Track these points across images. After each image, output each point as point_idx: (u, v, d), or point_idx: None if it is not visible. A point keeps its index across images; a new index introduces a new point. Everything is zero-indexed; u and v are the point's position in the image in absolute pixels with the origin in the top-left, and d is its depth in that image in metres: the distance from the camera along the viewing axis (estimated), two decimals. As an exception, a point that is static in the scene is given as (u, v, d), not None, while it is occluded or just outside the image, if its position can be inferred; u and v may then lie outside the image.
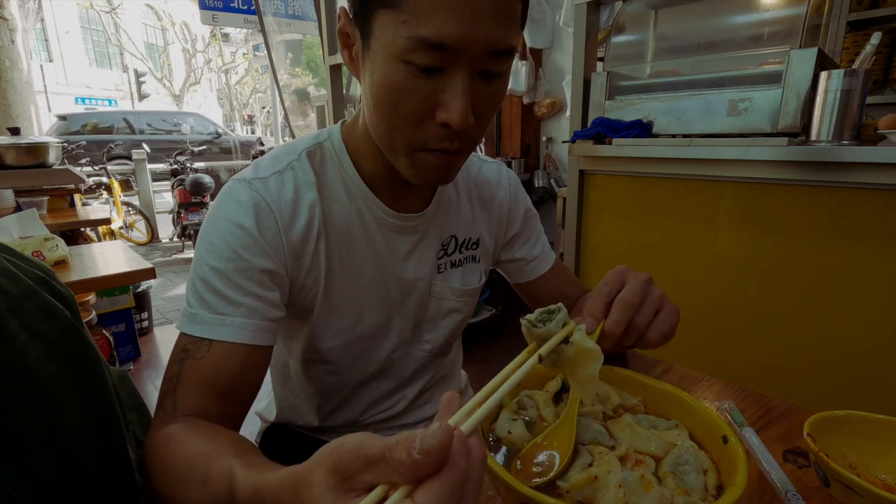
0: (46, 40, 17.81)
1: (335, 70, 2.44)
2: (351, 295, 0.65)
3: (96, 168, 5.17)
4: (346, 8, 0.53)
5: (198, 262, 0.55)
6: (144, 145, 5.50)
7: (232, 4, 5.67)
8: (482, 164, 0.77)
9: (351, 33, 0.54)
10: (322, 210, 0.61)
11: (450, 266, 0.72)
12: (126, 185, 5.56)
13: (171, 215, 5.51)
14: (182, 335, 0.54)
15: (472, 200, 0.74)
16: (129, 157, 5.53)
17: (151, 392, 2.22)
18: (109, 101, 20.02)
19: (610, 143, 1.43)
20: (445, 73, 0.48)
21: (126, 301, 2.43)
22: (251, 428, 0.79)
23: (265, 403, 0.82)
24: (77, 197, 2.55)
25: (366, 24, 0.50)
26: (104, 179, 5.21)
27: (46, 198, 2.32)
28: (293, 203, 0.59)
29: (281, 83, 3.47)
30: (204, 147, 5.85)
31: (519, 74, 2.76)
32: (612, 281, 0.51)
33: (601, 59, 1.65)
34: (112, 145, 5.92)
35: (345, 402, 0.73)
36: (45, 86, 15.82)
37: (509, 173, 0.79)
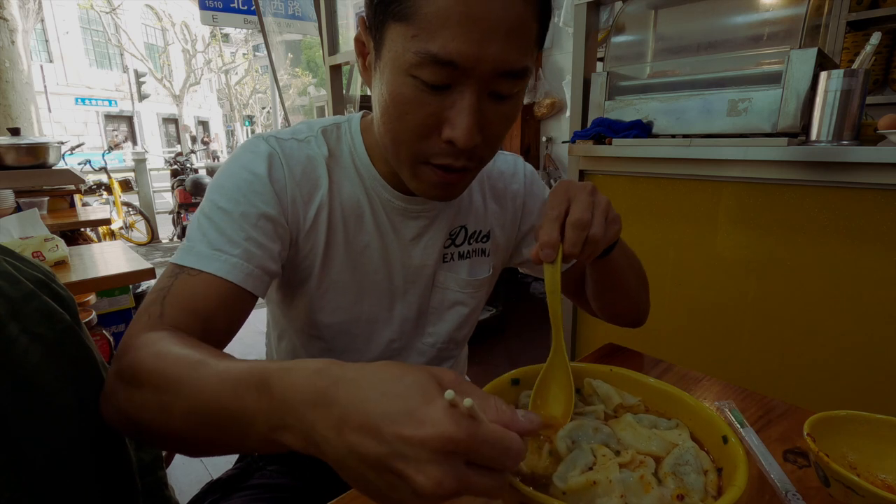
0: (46, 41, 17.79)
1: (335, 70, 2.43)
2: (353, 273, 0.65)
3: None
4: (365, 17, 0.53)
5: (206, 203, 0.57)
6: (145, 146, 5.52)
7: (232, 5, 5.66)
8: (498, 156, 0.75)
9: (366, 42, 0.54)
10: (330, 184, 0.62)
11: (457, 257, 0.72)
12: (126, 186, 5.57)
13: (171, 215, 5.52)
14: (174, 264, 0.54)
15: (486, 193, 0.74)
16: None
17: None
18: (110, 102, 20.01)
19: (610, 144, 1.42)
20: (454, 90, 0.48)
21: (126, 301, 2.43)
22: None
23: None
24: (77, 197, 2.55)
25: (378, 35, 0.50)
26: (104, 179, 5.22)
27: (46, 198, 2.33)
28: (304, 167, 0.61)
29: (281, 83, 3.47)
30: None
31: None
32: (557, 202, 0.51)
33: (601, 60, 1.65)
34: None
35: None
36: (45, 86, 15.80)
37: (525, 165, 0.78)
